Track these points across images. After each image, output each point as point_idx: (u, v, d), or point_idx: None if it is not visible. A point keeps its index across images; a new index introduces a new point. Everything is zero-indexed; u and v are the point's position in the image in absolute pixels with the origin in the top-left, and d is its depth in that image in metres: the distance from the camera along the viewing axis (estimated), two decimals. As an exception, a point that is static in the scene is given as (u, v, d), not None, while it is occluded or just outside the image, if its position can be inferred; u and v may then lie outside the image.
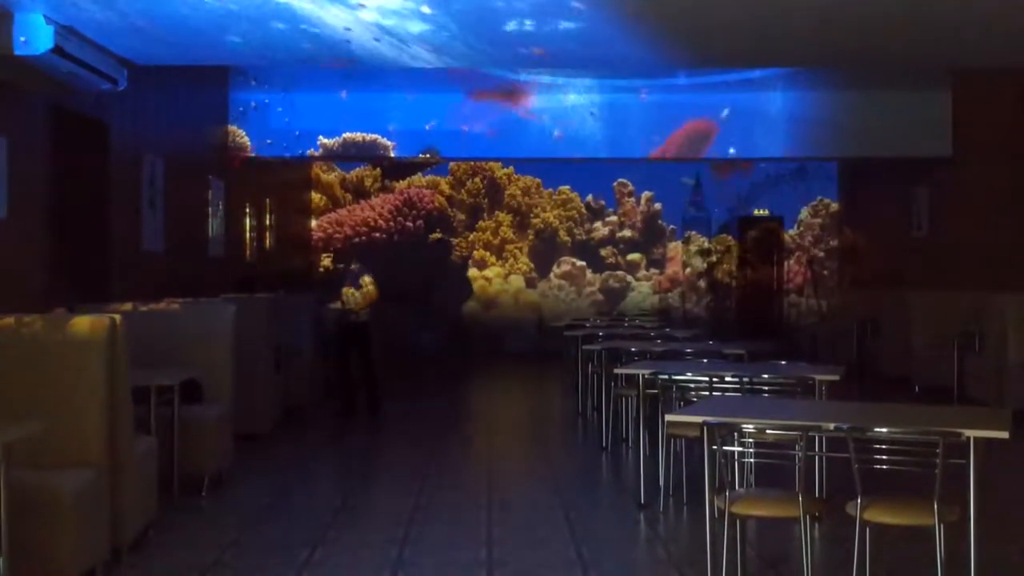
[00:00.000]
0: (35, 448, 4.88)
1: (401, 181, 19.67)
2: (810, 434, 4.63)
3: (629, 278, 19.90)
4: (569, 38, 8.69)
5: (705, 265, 19.70)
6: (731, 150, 14.82)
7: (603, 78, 13.97)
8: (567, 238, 19.86)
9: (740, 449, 5.01)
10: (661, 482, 7.06)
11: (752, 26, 8.60)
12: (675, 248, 19.91)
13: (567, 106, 14.65)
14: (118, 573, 5.48)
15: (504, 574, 5.55)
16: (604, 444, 9.23)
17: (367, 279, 11.37)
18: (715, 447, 4.65)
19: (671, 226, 19.91)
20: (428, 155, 15.22)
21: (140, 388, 6.27)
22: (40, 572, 4.96)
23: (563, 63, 9.71)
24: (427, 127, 14.65)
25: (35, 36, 7.43)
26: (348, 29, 8.40)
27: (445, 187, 19.76)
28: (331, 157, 16.44)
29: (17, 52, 7.41)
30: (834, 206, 19.35)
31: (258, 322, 9.77)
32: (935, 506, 4.30)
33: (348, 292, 11.38)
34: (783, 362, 7.56)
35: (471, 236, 19.73)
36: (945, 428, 4.33)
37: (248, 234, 14.80)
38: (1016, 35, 8.76)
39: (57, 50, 7.56)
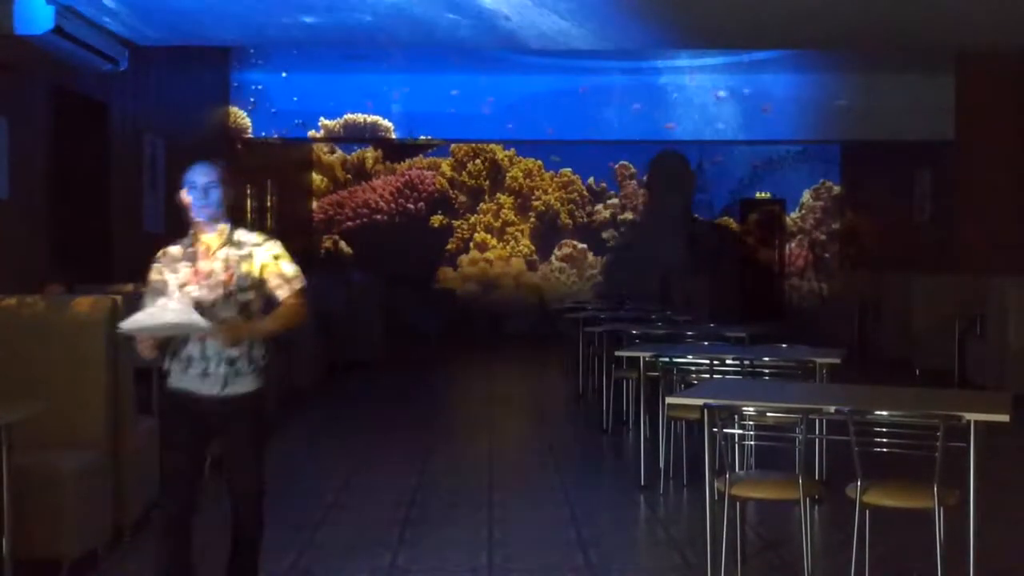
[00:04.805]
0: (37, 429, 4.88)
1: (402, 163, 19.64)
2: (810, 417, 4.64)
3: (630, 260, 19.85)
4: (569, 16, 8.65)
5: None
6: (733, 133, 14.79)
7: (607, 59, 13.89)
8: (568, 220, 19.83)
9: (740, 432, 5.02)
10: (661, 464, 7.08)
11: (755, 7, 8.57)
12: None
13: (568, 87, 14.59)
14: (120, 554, 5.50)
15: (504, 555, 5.57)
16: (605, 426, 9.24)
17: (290, 272, 4.55)
18: (716, 429, 4.66)
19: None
20: (429, 136, 15.18)
21: (142, 369, 6.27)
22: (42, 553, 4.98)
23: (561, 43, 9.65)
24: (428, 108, 14.61)
25: (35, 16, 7.40)
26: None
27: (446, 169, 19.72)
28: (332, 138, 16.40)
29: (17, 32, 7.38)
30: (836, 189, 19.31)
31: (259, 304, 9.75)
32: (935, 489, 4.31)
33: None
34: (784, 345, 7.57)
35: (472, 218, 19.70)
36: (945, 411, 4.33)
37: (249, 215, 14.77)
38: (1019, 17, 8.73)
39: (57, 30, 7.53)
